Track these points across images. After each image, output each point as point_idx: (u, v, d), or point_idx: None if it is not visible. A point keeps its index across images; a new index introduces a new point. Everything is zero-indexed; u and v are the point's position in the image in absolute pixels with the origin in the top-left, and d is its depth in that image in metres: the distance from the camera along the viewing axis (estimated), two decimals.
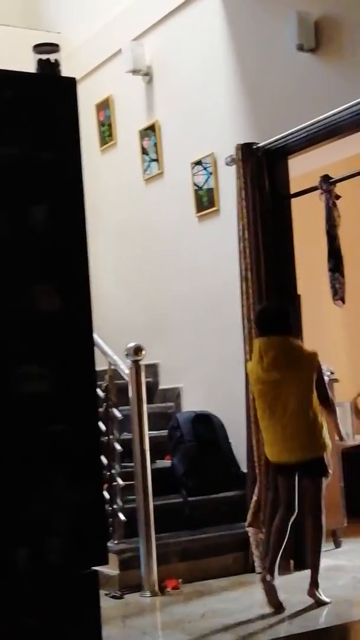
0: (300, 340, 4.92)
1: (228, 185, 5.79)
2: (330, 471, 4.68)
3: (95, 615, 3.61)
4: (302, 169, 5.81)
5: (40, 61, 3.22)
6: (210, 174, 6.09)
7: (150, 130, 6.67)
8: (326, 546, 5.31)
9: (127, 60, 6.62)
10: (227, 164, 5.68)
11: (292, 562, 5.12)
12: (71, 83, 3.26)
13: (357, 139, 5.34)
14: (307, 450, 4.57)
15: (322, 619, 4.35)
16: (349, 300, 5.27)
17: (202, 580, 5.08)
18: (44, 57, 3.22)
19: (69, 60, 6.70)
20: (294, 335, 4.80)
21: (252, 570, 5.21)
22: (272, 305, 5.02)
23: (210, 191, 6.12)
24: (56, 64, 3.22)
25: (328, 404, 4.65)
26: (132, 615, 4.56)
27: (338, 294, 5.26)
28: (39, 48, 3.24)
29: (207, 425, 5.83)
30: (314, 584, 4.54)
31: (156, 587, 4.87)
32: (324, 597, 4.51)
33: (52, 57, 3.22)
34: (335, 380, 6.03)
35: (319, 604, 4.49)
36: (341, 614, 4.38)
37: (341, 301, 5.25)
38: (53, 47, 3.26)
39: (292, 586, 4.81)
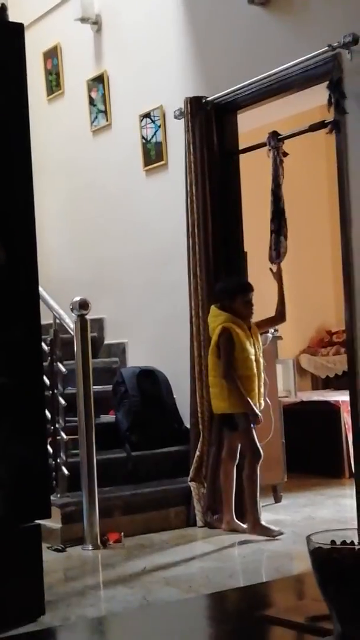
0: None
1: (177, 139, 5.73)
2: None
3: (37, 568, 3.62)
4: (251, 125, 5.77)
5: None
6: (159, 127, 6.02)
7: (98, 81, 6.57)
8: (266, 501, 5.38)
9: (75, 7, 6.49)
10: (175, 117, 5.62)
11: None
12: (19, 29, 3.18)
13: (306, 96, 5.31)
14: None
15: (262, 573, 4.42)
16: (293, 258, 5.27)
17: (144, 534, 5.11)
18: None
19: (16, 6, 6.56)
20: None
21: (194, 524, 5.26)
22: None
23: (158, 145, 6.05)
24: (3, 8, 3.13)
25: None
26: (74, 568, 4.57)
27: (280, 257, 5.27)
28: None
29: (151, 381, 5.83)
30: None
31: (98, 541, 4.89)
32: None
33: None
34: (279, 337, 6.07)
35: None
36: (280, 568, 4.45)
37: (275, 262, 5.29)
38: None
39: (232, 538, 4.89)
